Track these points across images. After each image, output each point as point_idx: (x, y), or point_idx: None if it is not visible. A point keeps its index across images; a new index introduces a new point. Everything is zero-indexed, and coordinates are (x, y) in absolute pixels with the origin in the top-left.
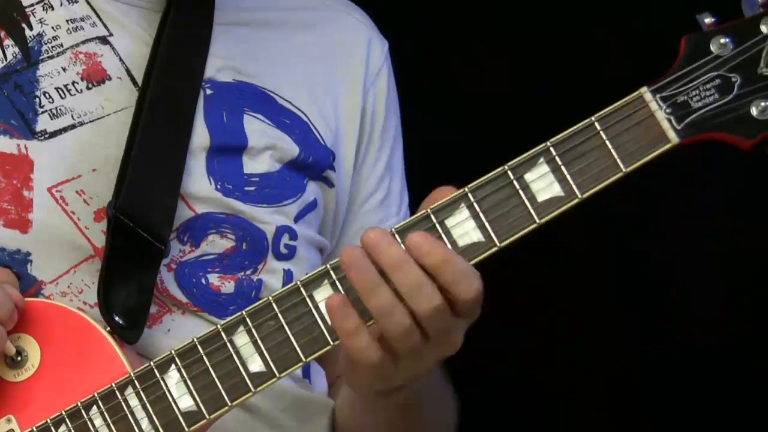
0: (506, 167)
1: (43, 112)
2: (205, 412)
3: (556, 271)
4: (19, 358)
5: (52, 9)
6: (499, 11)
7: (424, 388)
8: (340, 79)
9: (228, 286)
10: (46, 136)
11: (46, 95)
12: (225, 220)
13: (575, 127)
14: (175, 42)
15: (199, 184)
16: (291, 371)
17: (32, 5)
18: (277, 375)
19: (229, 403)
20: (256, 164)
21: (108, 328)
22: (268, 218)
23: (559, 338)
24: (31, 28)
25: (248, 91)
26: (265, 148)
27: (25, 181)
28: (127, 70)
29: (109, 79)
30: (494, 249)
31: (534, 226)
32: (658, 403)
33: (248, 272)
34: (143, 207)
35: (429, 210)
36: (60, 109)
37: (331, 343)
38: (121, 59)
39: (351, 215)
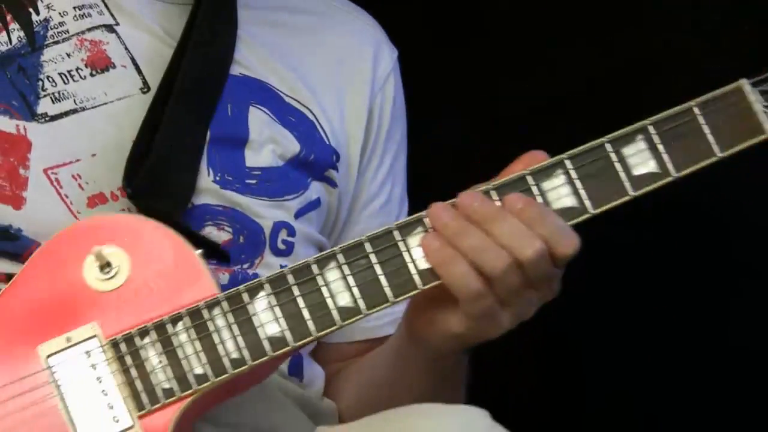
0: (604, 139)
1: (45, 96)
2: (290, 339)
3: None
4: (108, 268)
5: None
6: (499, 11)
7: (461, 366)
8: (347, 81)
9: (222, 278)
10: (47, 119)
11: (50, 79)
12: (221, 212)
13: (673, 109)
14: (204, 37)
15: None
16: (378, 310)
17: None
18: (364, 312)
19: (315, 334)
20: (258, 158)
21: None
22: (265, 212)
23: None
24: (38, 12)
25: (254, 85)
26: (267, 140)
27: (22, 160)
28: (132, 59)
29: (114, 67)
30: (588, 215)
31: (627, 198)
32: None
33: (245, 266)
34: (160, 192)
35: (526, 171)
36: (62, 93)
37: (420, 286)
38: (126, 48)
39: (353, 217)
